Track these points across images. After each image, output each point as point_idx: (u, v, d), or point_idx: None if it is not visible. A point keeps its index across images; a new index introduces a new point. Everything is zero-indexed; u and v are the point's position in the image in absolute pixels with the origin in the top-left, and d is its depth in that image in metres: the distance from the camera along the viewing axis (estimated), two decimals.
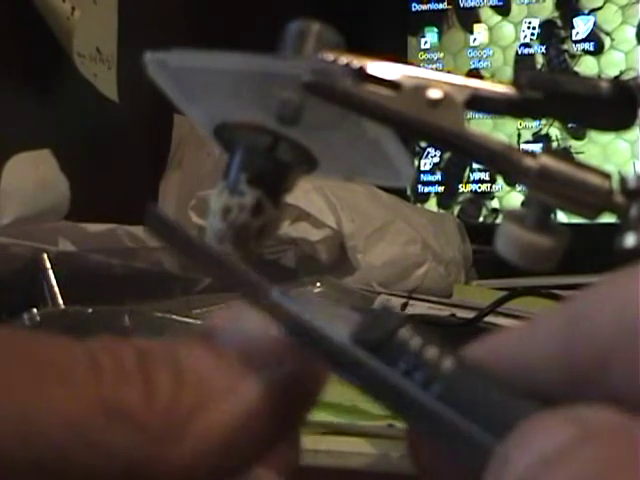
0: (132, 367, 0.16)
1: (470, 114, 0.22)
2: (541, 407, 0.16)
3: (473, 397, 0.16)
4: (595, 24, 1.31)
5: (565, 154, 1.22)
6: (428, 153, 1.38)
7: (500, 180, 1.33)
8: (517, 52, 1.36)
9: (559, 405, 0.16)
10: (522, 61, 1.35)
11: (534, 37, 1.35)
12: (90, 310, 0.63)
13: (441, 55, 1.40)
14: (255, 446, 0.17)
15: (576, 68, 1.32)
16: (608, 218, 0.21)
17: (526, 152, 0.21)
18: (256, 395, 0.17)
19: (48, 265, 0.70)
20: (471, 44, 1.38)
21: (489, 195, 1.35)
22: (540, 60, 1.35)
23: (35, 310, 0.62)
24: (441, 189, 1.38)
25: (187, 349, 0.17)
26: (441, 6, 1.40)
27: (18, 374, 0.15)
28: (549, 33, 1.34)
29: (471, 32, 1.38)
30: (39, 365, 0.15)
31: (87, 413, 0.15)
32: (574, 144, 1.30)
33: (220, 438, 0.16)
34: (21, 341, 0.16)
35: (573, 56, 1.32)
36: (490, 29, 1.38)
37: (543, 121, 1.28)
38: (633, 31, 1.29)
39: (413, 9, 1.42)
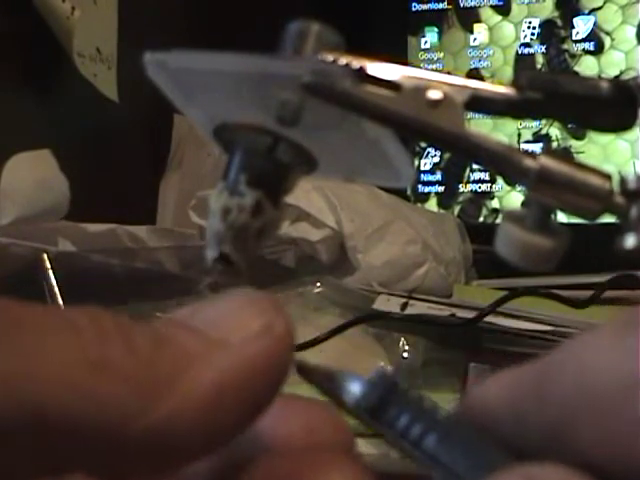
0: (111, 328, 0.16)
1: (470, 114, 0.22)
2: (508, 462, 0.17)
3: (460, 447, 0.18)
4: (595, 24, 1.31)
5: (565, 154, 1.22)
6: (428, 153, 1.38)
7: (500, 180, 1.33)
8: (517, 52, 1.36)
9: (525, 461, 0.17)
10: (522, 61, 1.35)
11: (534, 37, 1.35)
12: None
13: (441, 55, 1.40)
14: (236, 413, 0.17)
15: (576, 68, 1.32)
16: (608, 218, 0.21)
17: (526, 153, 0.21)
18: (234, 361, 0.17)
19: (48, 265, 0.70)
20: (471, 44, 1.38)
21: (489, 195, 1.35)
22: (540, 60, 1.35)
23: None
24: (441, 189, 1.38)
25: (163, 323, 0.18)
26: (441, 6, 1.40)
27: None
28: (549, 33, 1.34)
29: (471, 32, 1.38)
30: (18, 328, 0.16)
31: (75, 369, 0.16)
32: (574, 144, 1.30)
33: (203, 397, 0.17)
34: None
35: (573, 56, 1.32)
36: (490, 29, 1.38)
37: (543, 121, 1.28)
38: (633, 31, 1.29)
39: (413, 9, 1.42)
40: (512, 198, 1.33)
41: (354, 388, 0.20)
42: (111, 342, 0.16)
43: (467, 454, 0.18)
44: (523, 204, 0.21)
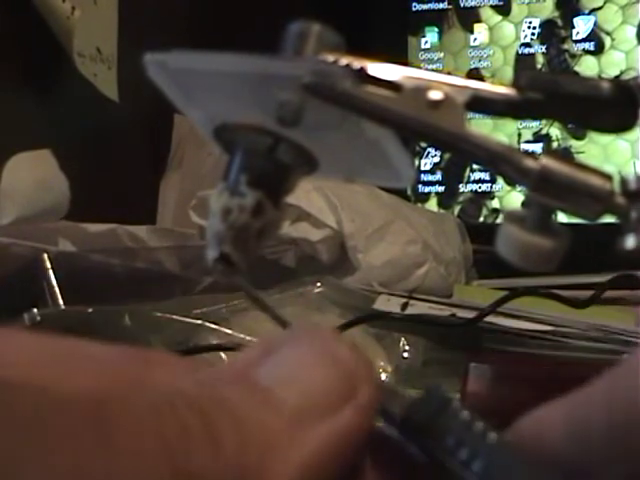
0: (192, 420, 0.15)
1: (470, 114, 0.22)
2: None
3: (506, 472, 0.18)
4: (595, 24, 1.31)
5: (566, 154, 1.22)
6: (428, 153, 1.38)
7: (500, 180, 1.33)
8: (517, 52, 1.36)
9: None
10: (522, 61, 1.35)
11: (534, 37, 1.35)
12: (90, 310, 0.64)
13: (441, 55, 1.40)
14: None
15: (576, 68, 1.32)
16: (608, 218, 0.21)
17: (527, 153, 0.21)
18: (317, 445, 0.16)
19: (48, 265, 0.70)
20: (471, 44, 1.38)
21: (489, 195, 1.35)
22: (540, 60, 1.35)
23: (35, 310, 0.62)
24: (441, 189, 1.38)
25: (242, 394, 0.17)
26: (441, 6, 1.40)
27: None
28: (549, 33, 1.34)
29: (471, 32, 1.38)
30: (106, 429, 0.14)
31: None
32: (574, 144, 1.30)
33: None
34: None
35: (573, 56, 1.32)
36: (490, 29, 1.38)
37: (543, 121, 1.28)
38: (633, 31, 1.29)
39: (413, 9, 1.42)
40: (512, 198, 1.33)
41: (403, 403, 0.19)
42: (196, 443, 0.15)
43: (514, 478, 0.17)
44: (523, 204, 0.21)
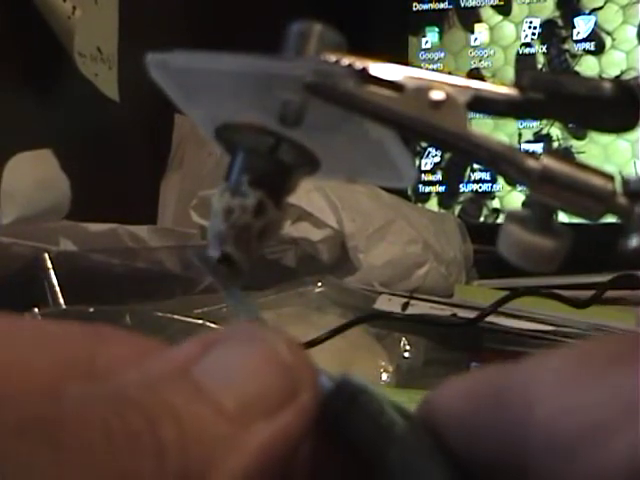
0: (144, 433, 0.16)
1: (471, 114, 0.22)
2: None
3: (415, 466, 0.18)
4: (596, 24, 1.31)
5: (566, 154, 1.22)
6: (429, 153, 1.38)
7: (501, 180, 1.33)
8: (518, 52, 1.36)
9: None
10: (523, 61, 1.35)
11: (535, 37, 1.35)
12: (91, 310, 0.64)
13: (442, 55, 1.40)
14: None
15: (577, 68, 1.32)
16: (609, 218, 0.21)
17: (528, 153, 0.21)
18: (258, 448, 0.16)
19: (49, 265, 0.71)
20: (472, 44, 1.38)
21: (490, 195, 1.35)
22: (541, 60, 1.35)
23: (36, 310, 0.62)
24: (442, 189, 1.38)
25: (184, 396, 0.17)
26: (442, 6, 1.40)
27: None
28: (550, 33, 1.34)
29: (472, 32, 1.38)
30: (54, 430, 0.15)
31: None
32: (575, 144, 1.30)
33: None
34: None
35: (574, 56, 1.32)
36: (491, 29, 1.38)
37: (544, 121, 1.28)
38: (634, 31, 1.29)
39: (414, 9, 1.42)
40: (513, 198, 1.33)
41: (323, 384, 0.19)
42: (142, 449, 0.15)
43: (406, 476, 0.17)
44: (524, 204, 0.21)
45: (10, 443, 0.14)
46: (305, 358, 0.18)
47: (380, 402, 0.19)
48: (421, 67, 1.35)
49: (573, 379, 0.16)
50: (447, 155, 1.36)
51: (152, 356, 0.18)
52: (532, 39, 1.35)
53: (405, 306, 0.71)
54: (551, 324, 0.68)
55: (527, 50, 1.35)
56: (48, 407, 0.15)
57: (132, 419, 0.16)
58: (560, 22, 1.34)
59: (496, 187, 1.34)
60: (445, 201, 1.38)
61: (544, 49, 1.34)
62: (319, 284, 0.75)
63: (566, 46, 1.33)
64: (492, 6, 1.37)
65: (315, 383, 0.18)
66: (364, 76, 0.22)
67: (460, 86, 0.22)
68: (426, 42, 1.41)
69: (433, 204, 1.38)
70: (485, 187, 1.35)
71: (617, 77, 1.28)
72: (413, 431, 0.18)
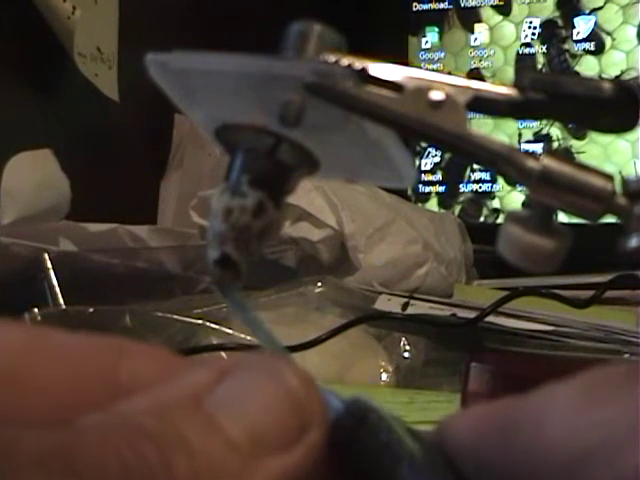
0: (157, 465, 0.16)
1: (471, 114, 0.22)
2: None
3: None
4: (596, 24, 1.31)
5: (566, 154, 1.22)
6: (429, 153, 1.38)
7: (501, 180, 1.33)
8: (518, 52, 1.36)
9: None
10: (523, 61, 1.35)
11: (535, 37, 1.35)
12: (91, 310, 0.64)
13: (442, 55, 1.40)
14: None
15: (577, 68, 1.32)
16: (609, 218, 0.21)
17: (528, 154, 0.21)
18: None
19: (49, 265, 0.71)
20: (472, 44, 1.38)
21: (490, 195, 1.35)
22: (541, 60, 1.35)
23: (36, 310, 0.62)
24: (442, 189, 1.38)
25: (197, 428, 0.17)
26: (442, 6, 1.40)
27: None
28: (550, 33, 1.34)
29: (472, 32, 1.38)
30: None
31: None
32: (575, 144, 1.30)
33: None
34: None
35: (574, 56, 1.32)
36: (491, 29, 1.38)
37: (544, 121, 1.28)
38: (634, 31, 1.29)
39: (414, 9, 1.42)
40: (513, 198, 1.33)
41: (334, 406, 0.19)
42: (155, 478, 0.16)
43: None
44: (524, 204, 0.21)
45: (30, 474, 0.14)
46: (316, 392, 0.18)
47: (389, 422, 0.19)
48: (421, 67, 1.35)
49: (581, 404, 0.17)
50: (447, 155, 1.36)
51: (167, 381, 0.18)
52: (532, 39, 1.35)
53: (405, 306, 0.71)
54: (551, 324, 0.68)
55: (527, 50, 1.35)
56: (66, 437, 0.15)
57: (146, 452, 0.16)
58: (560, 22, 1.34)
59: (496, 187, 1.34)
60: (445, 201, 1.38)
61: (544, 49, 1.34)
62: (319, 284, 0.75)
63: (566, 46, 1.33)
64: (492, 6, 1.37)
65: (324, 419, 0.18)
66: (364, 76, 0.22)
67: (460, 86, 0.22)
68: (426, 42, 1.41)
69: (433, 204, 1.37)
70: (485, 187, 1.35)
71: (617, 77, 1.28)
72: (423, 450, 0.18)
